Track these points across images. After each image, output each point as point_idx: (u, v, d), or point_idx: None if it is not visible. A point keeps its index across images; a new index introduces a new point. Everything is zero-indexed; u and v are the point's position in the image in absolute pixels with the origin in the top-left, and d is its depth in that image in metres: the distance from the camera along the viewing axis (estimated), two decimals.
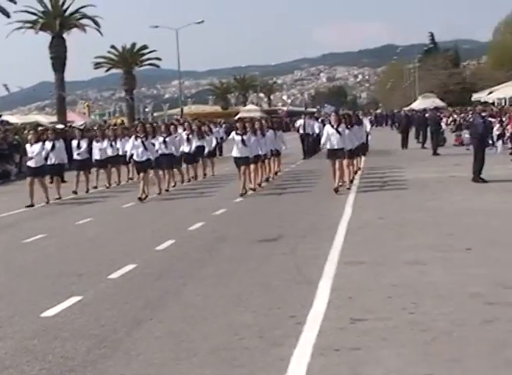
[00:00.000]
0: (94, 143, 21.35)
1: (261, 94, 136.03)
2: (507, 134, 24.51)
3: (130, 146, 17.46)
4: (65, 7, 54.44)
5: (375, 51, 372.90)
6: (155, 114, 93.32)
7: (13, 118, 51.20)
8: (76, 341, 5.95)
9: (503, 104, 49.20)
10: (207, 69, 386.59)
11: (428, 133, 28.65)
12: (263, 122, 19.58)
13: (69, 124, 45.43)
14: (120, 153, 21.05)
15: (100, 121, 67.48)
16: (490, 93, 57.60)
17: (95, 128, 31.34)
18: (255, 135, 17.14)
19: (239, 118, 18.71)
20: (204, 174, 22.38)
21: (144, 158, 17.03)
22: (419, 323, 5.86)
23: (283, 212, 13.48)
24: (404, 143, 31.68)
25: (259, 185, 17.78)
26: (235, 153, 16.80)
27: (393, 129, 50.74)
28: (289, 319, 6.20)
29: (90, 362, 5.43)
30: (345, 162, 16.16)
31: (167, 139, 19.26)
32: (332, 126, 16.27)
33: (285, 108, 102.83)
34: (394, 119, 56.48)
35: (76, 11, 55.29)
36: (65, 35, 54.06)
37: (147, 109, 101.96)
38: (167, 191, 18.39)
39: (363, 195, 15.14)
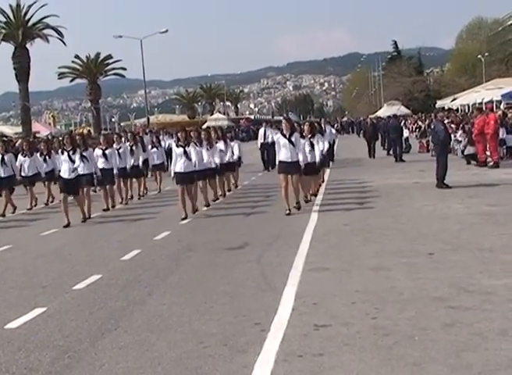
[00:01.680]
0: (21, 157, 19.04)
1: (228, 103, 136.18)
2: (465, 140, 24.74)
3: (59, 161, 15.40)
4: (27, 17, 54.05)
5: (340, 59, 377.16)
6: (122, 124, 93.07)
7: None
8: (40, 352, 5.93)
9: (466, 110, 49.88)
10: (173, 79, 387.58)
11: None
12: (211, 132, 17.63)
13: (33, 135, 45.08)
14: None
15: (66, 131, 67.05)
16: (453, 100, 58.51)
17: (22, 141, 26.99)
18: (201, 147, 15.21)
19: (181, 128, 16.00)
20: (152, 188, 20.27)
21: (73, 176, 14.63)
22: (381, 328, 5.93)
23: (249, 221, 13.51)
24: (371, 152, 30.93)
25: (207, 205, 15.82)
26: (177, 168, 14.32)
27: (360, 136, 51.11)
28: (254, 327, 6.24)
29: (55, 373, 5.42)
30: (294, 177, 14.00)
31: (107, 152, 17.04)
32: (284, 136, 14.00)
33: (252, 117, 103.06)
34: (360, 127, 56.87)
35: (39, 21, 54.92)
36: (28, 45, 53.69)
37: (113, 119, 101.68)
38: (107, 210, 16.50)
39: (328, 202, 15.21)
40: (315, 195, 16.09)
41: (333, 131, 28.55)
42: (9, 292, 8.50)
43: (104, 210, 16.41)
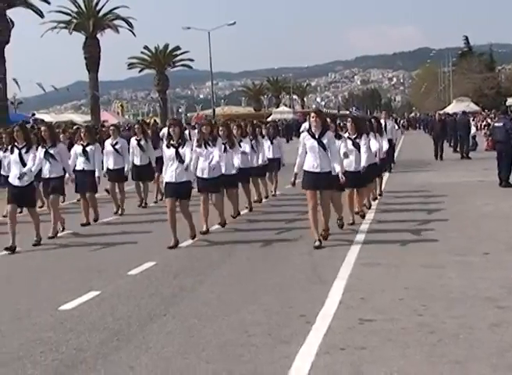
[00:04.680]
0: (0, 153, 13.95)
1: (295, 96, 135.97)
2: None
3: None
4: (98, 8, 55.16)
5: (410, 54, 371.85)
6: (188, 114, 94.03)
7: (48, 116, 52.17)
8: (90, 334, 6.11)
9: None
10: (241, 71, 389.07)
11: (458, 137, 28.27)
12: (235, 126, 13.61)
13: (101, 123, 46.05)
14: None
15: (133, 121, 68.18)
16: None
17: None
18: (213, 146, 11.23)
19: (174, 122, 11.36)
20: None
21: (26, 183, 10.85)
22: (427, 325, 5.91)
23: (303, 216, 13.43)
24: (438, 152, 26.89)
25: (222, 224, 12.02)
26: (167, 176, 10.58)
27: (426, 132, 50.36)
28: (299, 318, 6.29)
29: (102, 354, 5.59)
30: (324, 195, 10.18)
31: (88, 148, 13.15)
32: (313, 136, 10.01)
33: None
34: (427, 123, 55.94)
35: (110, 12, 56.03)
36: (98, 35, 54.84)
37: (180, 110, 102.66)
38: (86, 224, 12.96)
39: (386, 199, 15.05)
40: (362, 216, 12.19)
41: (396, 128, 23.27)
42: (66, 276, 8.75)
43: (82, 225, 12.91)
